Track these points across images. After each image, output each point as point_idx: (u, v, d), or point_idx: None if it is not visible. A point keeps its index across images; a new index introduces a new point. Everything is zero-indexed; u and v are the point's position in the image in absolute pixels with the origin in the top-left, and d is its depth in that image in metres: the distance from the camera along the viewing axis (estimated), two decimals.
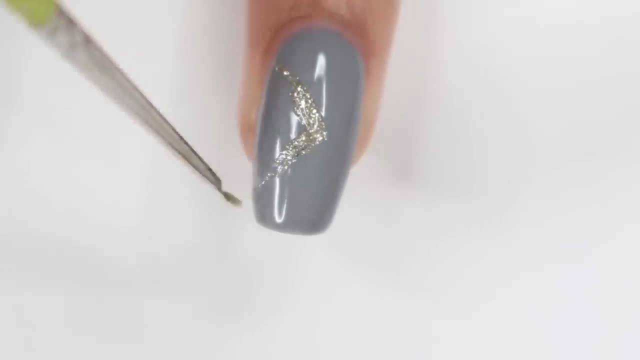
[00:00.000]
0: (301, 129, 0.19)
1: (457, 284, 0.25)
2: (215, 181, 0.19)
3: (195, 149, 0.17)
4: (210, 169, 0.18)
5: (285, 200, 0.20)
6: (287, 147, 0.19)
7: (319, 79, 0.19)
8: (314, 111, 0.19)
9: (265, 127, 0.20)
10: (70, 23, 0.13)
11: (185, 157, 0.18)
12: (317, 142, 0.19)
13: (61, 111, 0.24)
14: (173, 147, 0.17)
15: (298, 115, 0.19)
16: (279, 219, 0.20)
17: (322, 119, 0.19)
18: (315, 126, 0.19)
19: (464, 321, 0.26)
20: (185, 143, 0.17)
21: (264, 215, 0.20)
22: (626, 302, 0.25)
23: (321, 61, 0.19)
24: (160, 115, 0.16)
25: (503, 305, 0.25)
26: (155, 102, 0.24)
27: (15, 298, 0.25)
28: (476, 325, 0.26)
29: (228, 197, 0.20)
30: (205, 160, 0.24)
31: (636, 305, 0.25)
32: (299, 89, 0.19)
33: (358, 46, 0.20)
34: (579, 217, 0.25)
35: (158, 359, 0.26)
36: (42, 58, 0.24)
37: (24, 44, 0.24)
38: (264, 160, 0.20)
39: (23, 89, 0.24)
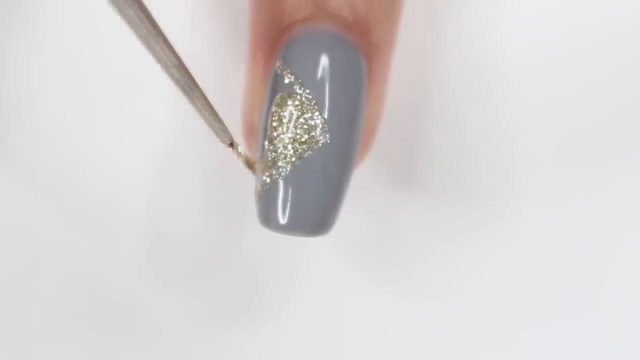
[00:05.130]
0: (304, 131, 0.19)
1: (459, 286, 0.25)
2: (226, 137, 0.19)
3: (211, 105, 0.18)
4: (223, 125, 0.18)
5: (289, 202, 0.19)
6: (290, 148, 0.19)
7: (322, 81, 0.19)
8: (317, 113, 0.19)
9: (268, 129, 0.20)
10: None
11: (201, 111, 0.18)
12: (320, 144, 0.19)
13: (64, 111, 0.24)
14: (192, 100, 0.17)
15: (301, 117, 0.19)
16: (282, 221, 0.20)
17: (325, 120, 0.19)
18: (318, 128, 0.19)
19: (467, 323, 0.25)
20: (204, 97, 0.17)
21: (267, 216, 0.20)
22: (626, 302, 0.25)
23: (324, 63, 0.19)
24: (184, 68, 0.17)
25: (506, 308, 0.25)
26: (161, 101, 0.25)
27: (17, 298, 0.25)
28: (478, 327, 0.26)
29: (246, 161, 0.20)
30: (209, 160, 0.25)
31: (636, 305, 0.25)
32: (301, 90, 0.19)
33: (361, 48, 0.20)
34: (582, 220, 0.25)
35: (160, 359, 0.26)
36: (43, 58, 0.24)
37: (25, 45, 0.24)
38: (267, 162, 0.20)
39: (25, 88, 0.24)
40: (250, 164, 0.20)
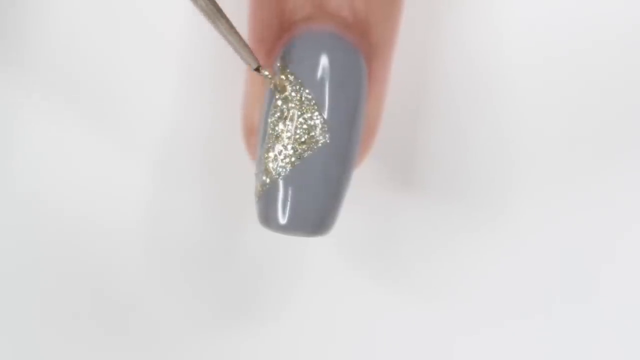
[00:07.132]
0: (304, 131, 0.19)
1: (459, 285, 0.25)
2: (253, 61, 0.19)
3: (237, 30, 0.18)
4: (249, 49, 0.19)
5: (289, 202, 0.19)
6: (290, 148, 0.19)
7: (322, 81, 0.19)
8: (317, 113, 0.19)
9: (267, 129, 0.20)
10: None
11: (226, 36, 0.18)
12: (320, 144, 0.19)
13: (65, 111, 0.24)
14: (217, 26, 0.18)
15: (301, 117, 0.19)
16: (282, 221, 0.20)
17: (325, 120, 0.19)
18: (317, 128, 0.19)
19: (466, 322, 0.26)
20: (228, 22, 0.18)
21: (267, 216, 0.20)
22: (626, 301, 0.25)
23: (324, 63, 0.19)
24: None
25: (505, 307, 0.25)
26: (161, 102, 0.25)
27: (17, 298, 0.25)
28: (478, 326, 0.26)
29: (274, 84, 0.20)
30: (208, 160, 0.25)
31: (636, 304, 0.25)
32: (301, 90, 0.19)
33: (361, 48, 0.20)
34: (581, 220, 0.25)
35: (160, 359, 0.26)
36: (44, 55, 0.24)
37: (26, 43, 0.24)
38: (266, 162, 0.20)
39: (26, 87, 0.24)
40: (278, 87, 0.20)
